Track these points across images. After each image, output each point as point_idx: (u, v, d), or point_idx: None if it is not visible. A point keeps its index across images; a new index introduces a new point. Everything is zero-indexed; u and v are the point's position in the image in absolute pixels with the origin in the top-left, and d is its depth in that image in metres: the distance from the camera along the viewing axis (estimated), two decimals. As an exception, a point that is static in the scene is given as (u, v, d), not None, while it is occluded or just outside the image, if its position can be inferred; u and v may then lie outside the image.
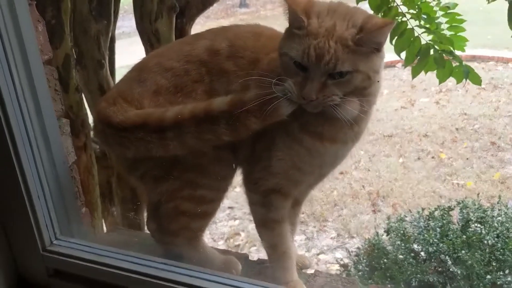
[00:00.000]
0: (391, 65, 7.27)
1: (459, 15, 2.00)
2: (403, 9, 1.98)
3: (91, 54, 2.14)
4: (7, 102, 0.89)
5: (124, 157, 1.23)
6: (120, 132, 1.11)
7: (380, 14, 1.94)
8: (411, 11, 1.92)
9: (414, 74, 2.02)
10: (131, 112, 1.11)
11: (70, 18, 2.01)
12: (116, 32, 2.35)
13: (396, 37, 1.96)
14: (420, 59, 1.98)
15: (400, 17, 1.95)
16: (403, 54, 2.04)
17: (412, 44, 1.96)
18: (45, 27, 1.15)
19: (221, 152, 1.15)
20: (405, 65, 2.04)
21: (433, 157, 5.15)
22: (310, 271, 1.33)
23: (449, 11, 1.99)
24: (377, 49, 1.02)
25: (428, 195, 4.58)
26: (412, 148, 5.35)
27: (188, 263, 0.95)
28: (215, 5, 2.62)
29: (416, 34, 1.97)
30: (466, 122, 5.70)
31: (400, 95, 6.59)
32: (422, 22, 1.89)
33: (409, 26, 1.97)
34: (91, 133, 2.11)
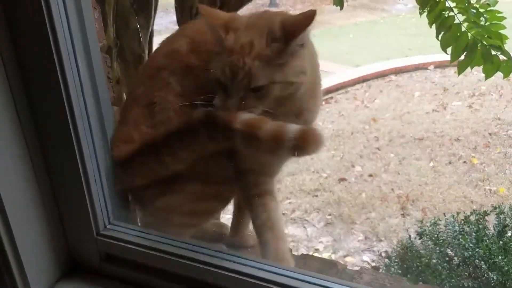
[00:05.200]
0: (423, 67, 7.15)
1: (500, 12, 1.96)
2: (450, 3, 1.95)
3: (132, 48, 2.16)
4: (71, 87, 0.89)
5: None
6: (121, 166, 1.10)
7: (426, 8, 1.91)
8: (459, 5, 1.89)
9: (461, 69, 1.99)
10: (122, 147, 1.11)
11: (113, 11, 2.03)
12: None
13: (442, 32, 1.93)
14: (467, 54, 1.94)
15: (447, 12, 1.91)
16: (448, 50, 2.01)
17: (459, 39, 1.93)
18: (100, 15, 1.16)
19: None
20: (451, 60, 2.00)
21: (464, 162, 5.04)
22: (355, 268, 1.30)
23: (489, 9, 1.95)
24: (301, 45, 0.99)
25: (459, 200, 4.47)
26: (443, 152, 5.25)
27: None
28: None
29: (463, 29, 1.94)
30: (499, 127, 5.57)
31: (431, 98, 6.48)
32: (471, 17, 1.85)
33: (456, 21, 1.94)
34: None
